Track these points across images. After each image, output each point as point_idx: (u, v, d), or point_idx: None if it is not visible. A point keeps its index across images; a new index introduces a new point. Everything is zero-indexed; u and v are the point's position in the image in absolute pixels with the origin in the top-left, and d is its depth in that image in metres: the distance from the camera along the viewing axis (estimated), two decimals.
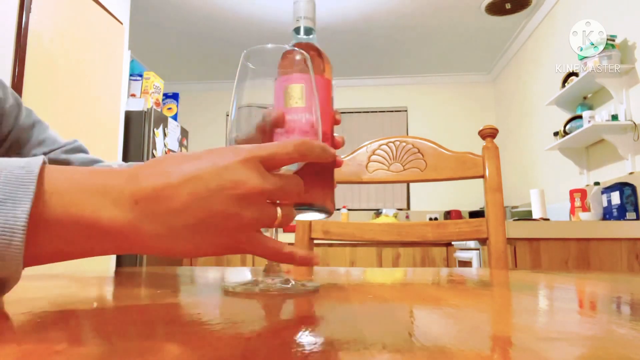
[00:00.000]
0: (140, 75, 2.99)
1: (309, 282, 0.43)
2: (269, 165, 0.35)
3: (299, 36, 0.54)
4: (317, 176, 0.47)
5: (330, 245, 3.10)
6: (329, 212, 0.48)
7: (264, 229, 0.40)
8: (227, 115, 0.42)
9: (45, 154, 0.72)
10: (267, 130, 0.49)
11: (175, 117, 3.22)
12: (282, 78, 0.51)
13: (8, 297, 0.36)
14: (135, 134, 2.79)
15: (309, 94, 0.48)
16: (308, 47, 0.53)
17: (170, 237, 0.31)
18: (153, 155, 2.76)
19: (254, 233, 0.35)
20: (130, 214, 0.30)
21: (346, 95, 4.50)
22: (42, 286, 0.48)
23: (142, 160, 2.67)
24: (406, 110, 4.43)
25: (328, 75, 0.53)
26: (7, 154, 0.69)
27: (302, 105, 0.48)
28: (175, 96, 3.31)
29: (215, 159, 0.34)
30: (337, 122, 0.52)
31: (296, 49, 0.51)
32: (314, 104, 0.48)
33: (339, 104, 4.82)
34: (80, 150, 0.77)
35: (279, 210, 0.36)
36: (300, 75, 0.49)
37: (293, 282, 0.41)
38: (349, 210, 3.96)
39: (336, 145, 0.51)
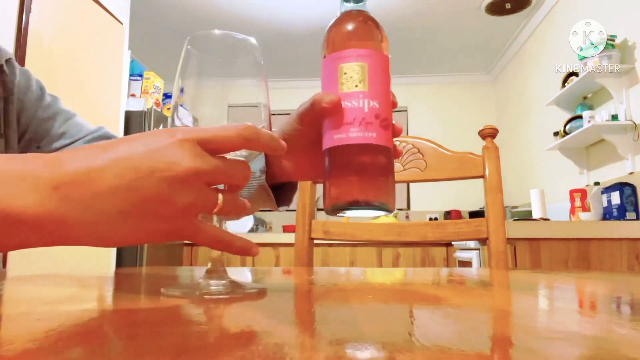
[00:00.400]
0: (140, 75, 2.99)
1: (252, 285, 0.40)
2: (209, 148, 0.32)
3: (347, 4, 0.45)
4: (376, 169, 0.41)
5: (330, 245, 3.09)
6: (389, 210, 0.41)
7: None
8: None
9: (66, 146, 0.68)
10: (313, 121, 0.43)
11: (182, 105, 3.21)
12: (335, 55, 0.42)
13: (6, 297, 0.36)
14: None
15: (372, 74, 0.40)
16: (361, 17, 0.44)
17: (97, 225, 0.29)
18: None
19: (192, 218, 0.32)
20: (50, 201, 0.28)
21: None
22: (40, 287, 0.48)
23: None
24: (406, 110, 4.42)
25: (386, 51, 0.44)
26: (27, 148, 0.66)
27: (364, 90, 0.40)
28: (181, 90, 3.30)
29: (147, 140, 0.31)
30: (394, 106, 0.44)
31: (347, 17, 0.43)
32: (378, 87, 0.41)
33: None
34: (106, 137, 0.72)
35: (220, 196, 0.33)
36: (360, 52, 0.41)
37: (235, 286, 0.37)
38: None
39: (397, 132, 0.45)
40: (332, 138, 0.41)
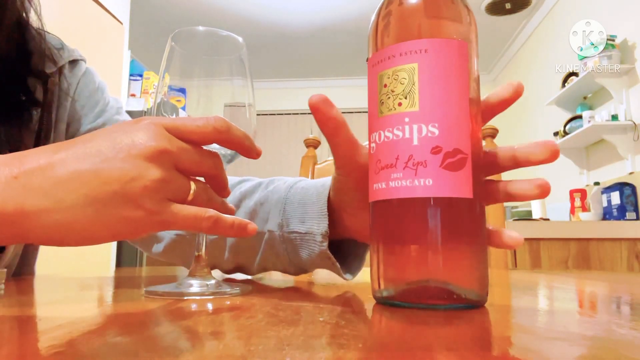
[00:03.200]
0: (140, 75, 2.99)
1: (233, 286, 0.37)
2: (176, 135, 0.30)
3: None
4: (436, 236, 0.26)
5: None
6: (473, 301, 0.28)
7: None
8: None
9: None
10: (351, 165, 0.37)
11: (184, 109, 3.22)
12: (374, 59, 0.29)
13: (6, 297, 0.36)
14: None
15: (428, 78, 0.26)
16: None
17: (58, 212, 0.26)
18: None
19: (167, 202, 0.29)
20: (8, 190, 0.26)
21: (346, 95, 4.50)
22: (41, 287, 0.48)
23: None
24: None
25: (464, 36, 0.28)
26: None
27: (412, 109, 0.26)
28: (182, 91, 3.31)
29: (113, 128, 0.30)
30: (486, 118, 0.31)
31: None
32: (441, 99, 0.26)
33: (339, 104, 4.81)
34: None
35: (192, 183, 0.31)
36: (408, 46, 0.27)
37: (217, 286, 0.35)
38: None
39: (493, 167, 0.30)
40: (372, 189, 0.29)
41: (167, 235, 0.53)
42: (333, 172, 0.42)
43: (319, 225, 0.44)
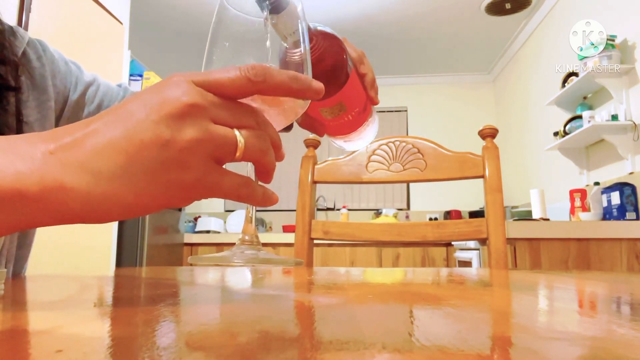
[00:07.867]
0: (140, 75, 2.99)
1: (289, 258, 0.37)
2: (207, 90, 0.28)
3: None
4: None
5: (330, 245, 3.09)
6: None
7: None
8: None
9: None
10: None
11: None
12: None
13: (6, 297, 0.36)
14: None
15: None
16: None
17: (100, 185, 0.25)
18: None
19: (209, 161, 0.27)
20: (46, 166, 0.25)
21: None
22: (41, 287, 0.48)
23: None
24: (406, 110, 4.43)
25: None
26: None
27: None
28: None
29: (143, 90, 0.28)
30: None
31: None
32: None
33: None
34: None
35: (237, 132, 0.28)
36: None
37: (270, 255, 0.34)
38: (349, 210, 3.96)
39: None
40: None
41: None
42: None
43: None
